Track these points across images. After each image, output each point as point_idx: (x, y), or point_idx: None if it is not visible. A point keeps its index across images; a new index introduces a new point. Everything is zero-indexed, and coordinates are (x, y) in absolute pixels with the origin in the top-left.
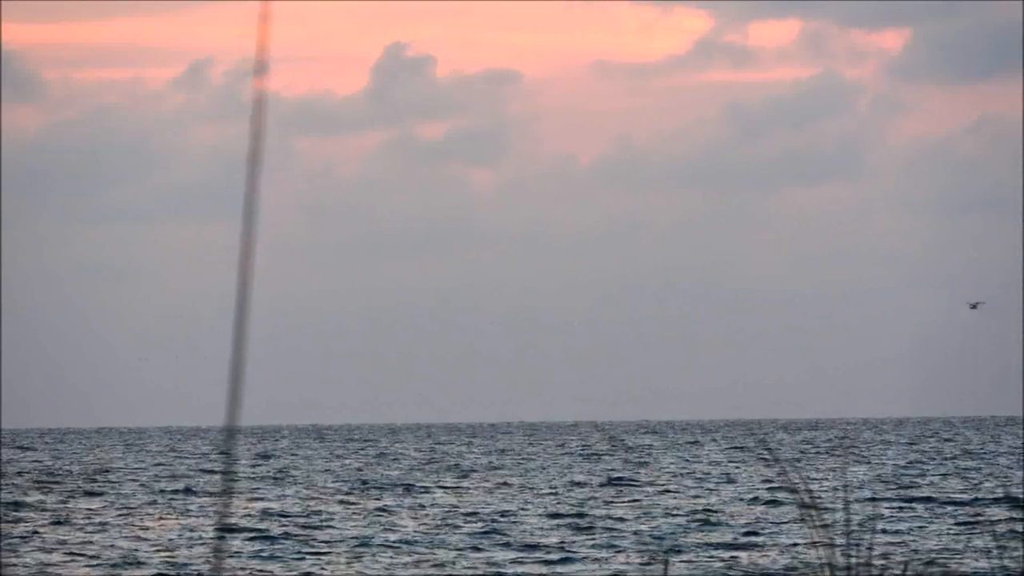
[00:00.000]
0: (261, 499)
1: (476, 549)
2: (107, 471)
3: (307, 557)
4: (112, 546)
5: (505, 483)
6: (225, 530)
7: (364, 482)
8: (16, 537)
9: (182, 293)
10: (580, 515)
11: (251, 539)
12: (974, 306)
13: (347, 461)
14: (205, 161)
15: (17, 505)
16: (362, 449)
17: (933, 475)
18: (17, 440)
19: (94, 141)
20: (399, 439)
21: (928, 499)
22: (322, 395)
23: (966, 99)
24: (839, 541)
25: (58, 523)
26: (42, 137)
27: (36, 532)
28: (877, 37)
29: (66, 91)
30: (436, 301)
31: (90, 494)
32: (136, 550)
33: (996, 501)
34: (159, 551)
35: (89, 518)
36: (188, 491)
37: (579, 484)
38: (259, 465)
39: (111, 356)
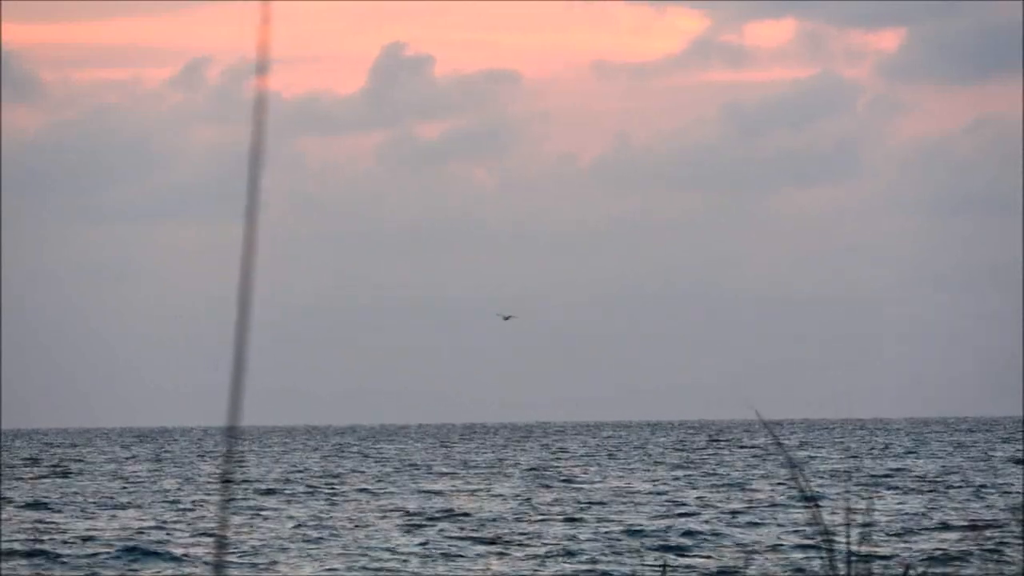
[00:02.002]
0: None
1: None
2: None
3: None
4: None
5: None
6: (223, 535)
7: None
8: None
9: (182, 293)
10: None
11: None
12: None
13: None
14: (204, 161)
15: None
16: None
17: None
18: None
19: (93, 141)
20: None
21: (933, 497)
22: (319, 395)
23: (963, 99)
24: (840, 542)
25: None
26: (41, 137)
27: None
28: (874, 37)
29: (65, 91)
30: (434, 301)
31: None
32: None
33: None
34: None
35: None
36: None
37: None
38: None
39: (111, 356)
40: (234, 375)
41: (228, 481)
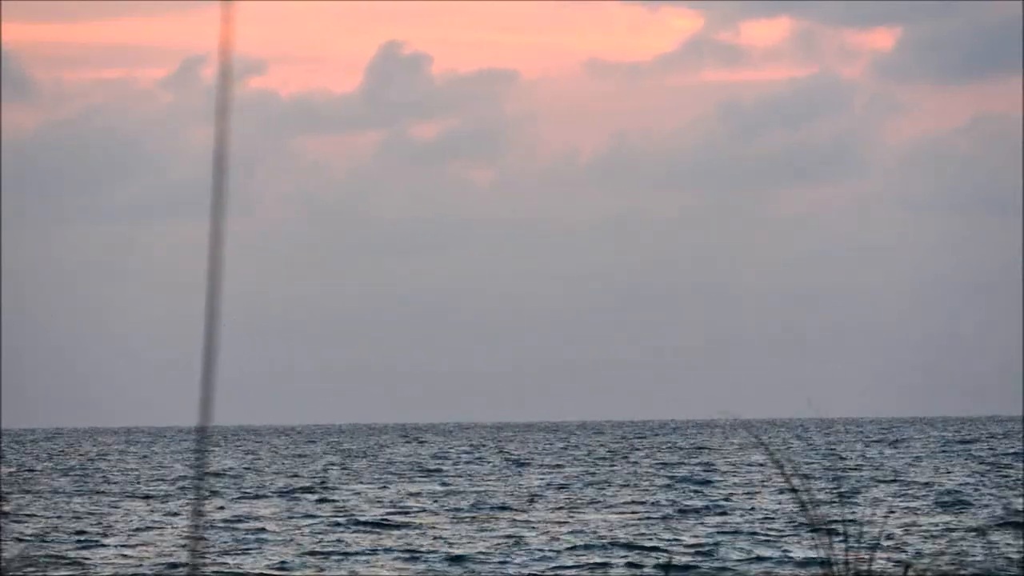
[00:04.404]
0: None
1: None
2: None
3: None
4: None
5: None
6: (199, 534)
7: None
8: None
9: (181, 293)
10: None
11: None
12: None
13: None
14: (201, 160)
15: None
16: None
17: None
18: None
19: (88, 141)
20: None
21: (933, 497)
22: (315, 394)
23: (959, 98)
24: (839, 541)
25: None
26: (35, 137)
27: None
28: (869, 36)
29: (58, 91)
30: (431, 300)
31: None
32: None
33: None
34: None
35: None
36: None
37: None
38: None
39: (109, 356)
40: (205, 374)
41: (201, 480)
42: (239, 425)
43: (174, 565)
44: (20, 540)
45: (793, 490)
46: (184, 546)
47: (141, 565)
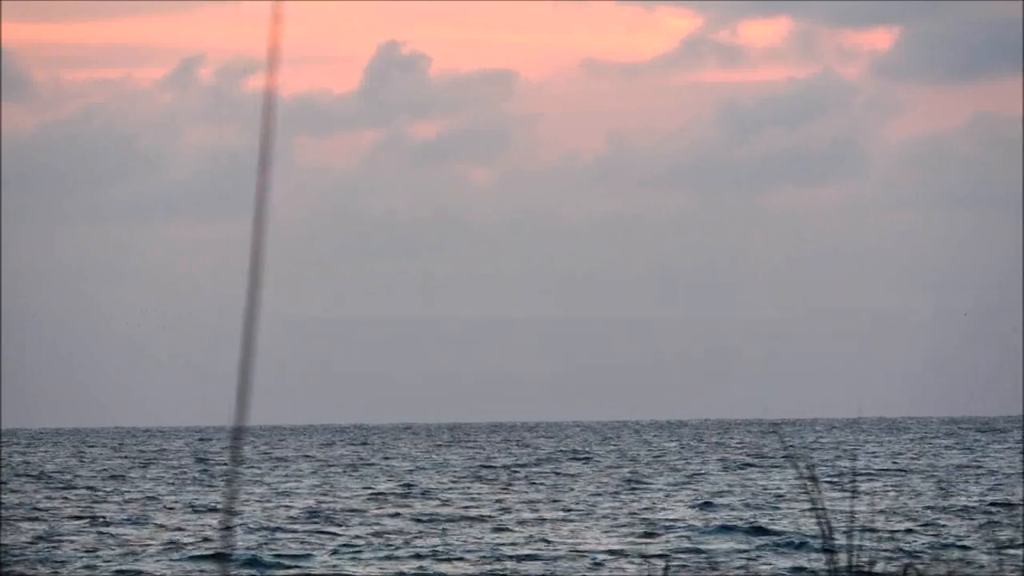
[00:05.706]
0: None
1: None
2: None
3: None
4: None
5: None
6: (228, 528)
7: None
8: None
9: (178, 293)
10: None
11: None
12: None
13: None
14: (199, 160)
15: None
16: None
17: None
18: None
19: (86, 141)
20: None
21: (935, 498)
22: (314, 394)
23: (959, 98)
24: (841, 541)
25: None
26: (35, 137)
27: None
28: (868, 36)
29: (57, 91)
30: (429, 300)
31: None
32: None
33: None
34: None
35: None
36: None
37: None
38: None
39: (109, 356)
40: (241, 376)
41: (234, 482)
42: (227, 425)
43: (205, 557)
44: (36, 534)
45: (800, 489)
46: (213, 539)
47: (169, 557)
